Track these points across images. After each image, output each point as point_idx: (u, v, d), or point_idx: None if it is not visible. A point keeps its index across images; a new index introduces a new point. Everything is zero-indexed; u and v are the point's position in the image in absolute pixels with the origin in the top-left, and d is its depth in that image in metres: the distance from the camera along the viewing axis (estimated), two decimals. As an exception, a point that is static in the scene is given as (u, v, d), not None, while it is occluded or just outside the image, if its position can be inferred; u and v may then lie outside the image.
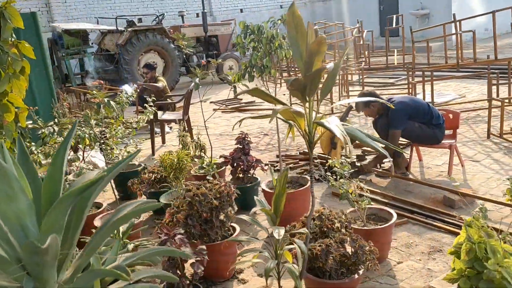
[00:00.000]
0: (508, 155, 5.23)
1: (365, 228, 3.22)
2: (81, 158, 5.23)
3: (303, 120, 2.22)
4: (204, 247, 2.71)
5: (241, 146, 4.35)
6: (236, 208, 3.48)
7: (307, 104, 2.23)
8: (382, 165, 5.22)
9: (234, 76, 3.95)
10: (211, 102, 10.56)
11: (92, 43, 12.18)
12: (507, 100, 6.53)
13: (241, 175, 4.42)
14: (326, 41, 2.02)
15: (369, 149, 5.79)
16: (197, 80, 4.33)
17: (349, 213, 3.44)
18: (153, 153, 6.66)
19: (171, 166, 3.84)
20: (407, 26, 9.30)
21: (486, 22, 11.27)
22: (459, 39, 6.99)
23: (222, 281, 3.23)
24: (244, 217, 2.64)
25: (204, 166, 4.65)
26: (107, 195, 5.19)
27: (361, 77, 9.96)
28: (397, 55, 9.23)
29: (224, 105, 9.99)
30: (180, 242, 2.65)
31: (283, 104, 2.26)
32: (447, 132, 5.04)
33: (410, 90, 7.76)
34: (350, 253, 2.54)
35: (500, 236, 2.44)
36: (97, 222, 3.49)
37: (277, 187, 2.49)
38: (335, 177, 4.74)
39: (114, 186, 4.73)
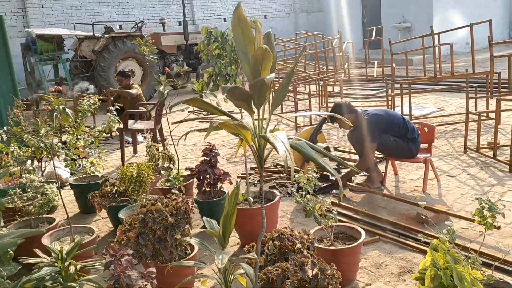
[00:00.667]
0: (485, 170, 5.12)
1: (332, 248, 3.04)
2: (37, 169, 4.98)
3: (249, 133, 2.04)
4: (153, 269, 2.49)
5: (207, 158, 4.15)
6: (192, 226, 3.25)
7: (255, 116, 2.05)
8: (354, 179, 5.07)
9: (198, 85, 3.76)
10: (189, 112, 10.34)
11: (68, 49, 11.90)
12: (484, 114, 6.45)
13: (208, 189, 4.21)
14: (271, 52, 1.84)
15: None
16: (161, 88, 4.12)
17: (316, 231, 3.26)
18: (122, 164, 6.40)
19: (131, 179, 3.62)
20: (388, 39, 9.24)
21: (466, 36, 11.31)
22: (437, 53, 6.91)
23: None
24: (192, 240, 2.41)
25: (171, 179, 4.43)
26: (68, 208, 4.93)
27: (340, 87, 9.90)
28: (377, 67, 9.15)
29: (202, 114, 9.79)
30: (127, 264, 2.43)
31: (228, 115, 2.07)
32: (422, 146, 4.91)
33: (389, 102, 7.67)
34: (310, 277, 2.35)
35: (469, 260, 2.28)
36: (45, 240, 3.24)
37: (226, 206, 2.29)
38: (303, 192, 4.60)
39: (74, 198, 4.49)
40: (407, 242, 3.61)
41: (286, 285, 2.21)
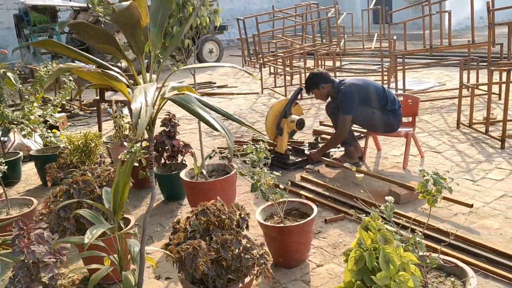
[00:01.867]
0: (475, 147, 4.76)
1: (277, 225, 2.77)
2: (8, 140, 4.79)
3: (123, 85, 1.75)
4: (66, 246, 2.26)
5: (166, 129, 3.89)
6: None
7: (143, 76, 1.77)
8: (332, 155, 4.77)
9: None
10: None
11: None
12: (482, 87, 6.04)
13: (168, 162, 3.97)
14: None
15: (324, 136, 5.33)
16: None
17: (267, 207, 3.00)
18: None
19: (77, 148, 3.39)
20: (385, 8, 8.75)
21: (481, 10, 10.70)
22: (431, 22, 6.46)
23: (111, 283, 2.79)
24: (81, 211, 2.12)
25: (132, 151, 4.18)
26: (31, 180, 4.75)
27: (340, 63, 9.48)
28: (376, 40, 8.71)
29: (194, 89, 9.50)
30: (37, 238, 2.20)
31: (100, 63, 1.77)
32: (405, 119, 4.58)
33: (385, 77, 7.27)
34: (233, 257, 2.09)
35: (409, 241, 1.99)
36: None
37: (117, 175, 2.03)
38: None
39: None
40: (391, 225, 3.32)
41: (200, 265, 1.95)
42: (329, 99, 4.49)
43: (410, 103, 4.54)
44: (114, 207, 1.97)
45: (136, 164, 4.04)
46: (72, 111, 7.71)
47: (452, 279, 2.12)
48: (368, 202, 3.56)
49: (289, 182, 3.64)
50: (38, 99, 4.20)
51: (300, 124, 4.51)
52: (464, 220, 3.30)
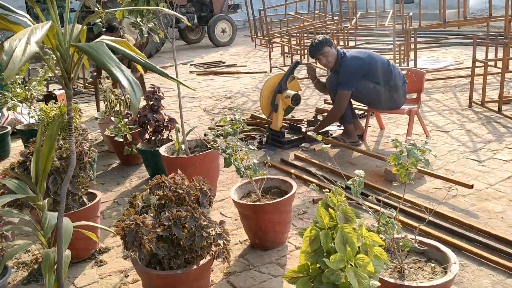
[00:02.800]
0: (486, 126, 4.43)
1: (251, 203, 2.56)
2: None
3: (20, 28, 1.51)
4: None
5: (150, 103, 3.69)
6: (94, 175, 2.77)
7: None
8: (332, 133, 4.51)
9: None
10: (191, 65, 9.86)
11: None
12: (492, 63, 5.64)
13: (152, 138, 3.78)
14: None
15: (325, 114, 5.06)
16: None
17: (245, 184, 2.79)
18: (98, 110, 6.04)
19: (52, 121, 3.22)
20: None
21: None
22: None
23: (76, 261, 2.64)
24: (7, 181, 1.92)
25: (119, 126, 4.01)
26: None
27: (354, 42, 9.11)
28: (391, 17, 8.29)
29: (202, 68, 9.29)
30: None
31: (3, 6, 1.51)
32: (410, 96, 4.28)
33: (403, 55, 6.90)
34: (185, 236, 1.89)
35: (378, 222, 1.75)
36: None
37: (37, 143, 1.81)
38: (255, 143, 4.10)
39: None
40: (365, 202, 3.06)
41: (145, 244, 1.76)
42: (330, 72, 4.21)
43: (415, 78, 4.23)
44: (37, 175, 1.78)
45: (121, 140, 3.88)
46: (75, 89, 7.60)
47: (433, 264, 1.88)
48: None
49: (268, 159, 3.41)
50: (23, 73, 4.05)
51: (296, 100, 4.26)
52: (463, 202, 3.02)
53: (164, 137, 3.82)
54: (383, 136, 4.44)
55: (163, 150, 3.39)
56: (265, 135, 4.54)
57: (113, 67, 1.27)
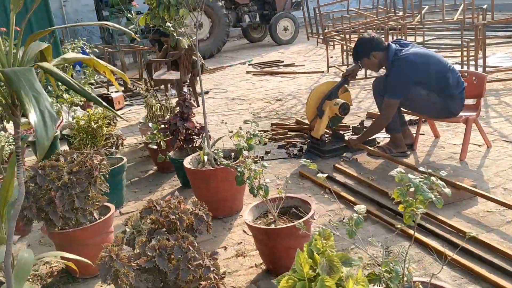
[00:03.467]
0: (562, 136, 3.86)
1: (263, 227, 2.35)
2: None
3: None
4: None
5: (180, 110, 3.59)
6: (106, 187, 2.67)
7: None
8: (379, 142, 4.16)
9: (141, 19, 3.13)
10: (249, 64, 9.75)
11: (143, 2, 11.86)
12: None
13: (184, 146, 3.68)
14: None
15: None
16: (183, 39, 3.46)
17: (262, 203, 2.58)
18: (149, 116, 6.10)
19: (81, 129, 3.22)
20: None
21: None
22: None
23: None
24: None
25: (154, 132, 3.96)
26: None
27: (422, 38, 8.49)
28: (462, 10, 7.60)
29: (259, 68, 9.14)
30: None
31: None
32: (468, 102, 3.82)
33: (464, 53, 6.28)
34: (171, 269, 1.73)
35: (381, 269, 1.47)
36: None
37: (8, 172, 1.70)
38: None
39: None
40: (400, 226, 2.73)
41: (121, 277, 1.63)
42: (379, 73, 3.87)
43: (475, 82, 3.76)
44: (2, 204, 1.69)
45: (155, 147, 3.82)
46: (134, 90, 7.76)
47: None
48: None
49: (288, 176, 3.16)
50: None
51: (344, 110, 3.97)
52: (519, 230, 2.60)
53: (197, 145, 3.71)
54: (437, 146, 4.01)
55: (187, 161, 3.27)
56: (306, 142, 4.29)
57: (26, 97, 1.12)
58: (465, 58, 6.08)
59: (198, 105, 6.50)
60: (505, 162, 3.49)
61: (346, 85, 4.16)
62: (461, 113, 3.70)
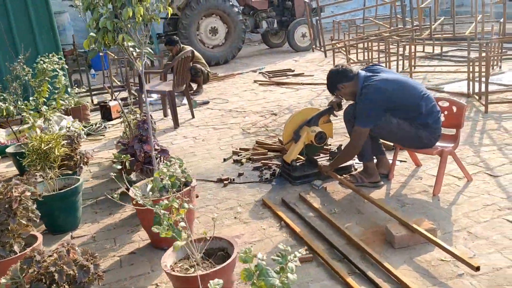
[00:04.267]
0: (553, 171, 3.55)
1: (175, 274, 2.22)
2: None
3: None
4: None
5: (139, 133, 3.51)
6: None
7: None
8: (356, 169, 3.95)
9: (85, 42, 3.00)
10: (260, 73, 9.61)
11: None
12: None
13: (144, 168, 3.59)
14: None
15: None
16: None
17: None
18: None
19: (33, 151, 3.18)
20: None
21: None
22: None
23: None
24: None
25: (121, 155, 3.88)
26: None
27: (440, 49, 8.12)
28: (478, 22, 7.19)
29: (268, 76, 8.99)
30: None
31: None
32: (447, 131, 3.57)
33: (471, 68, 5.93)
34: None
35: None
36: None
37: None
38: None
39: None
40: (342, 273, 2.55)
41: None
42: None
43: (455, 111, 3.51)
44: None
45: (119, 167, 3.74)
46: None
47: None
48: (353, 242, 2.80)
49: (239, 211, 3.01)
50: (44, 91, 4.13)
51: (320, 139, 3.81)
52: (469, 286, 2.37)
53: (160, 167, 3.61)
54: (415, 176, 3.77)
55: (135, 188, 3.17)
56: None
57: None
58: (472, 75, 5.74)
59: (193, 117, 6.43)
60: (480, 200, 3.23)
61: (330, 116, 3.99)
62: (438, 143, 3.46)
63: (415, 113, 3.33)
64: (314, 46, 7.96)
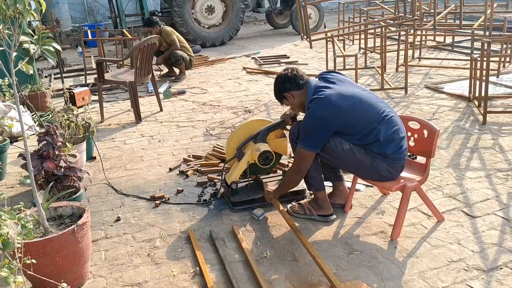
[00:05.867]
0: (546, 214, 2.87)
1: None
2: None
3: None
4: None
5: (39, 148, 2.94)
6: None
7: None
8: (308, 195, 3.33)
9: None
10: (252, 58, 8.92)
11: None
12: None
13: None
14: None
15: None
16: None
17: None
18: (102, 120, 5.52)
19: None
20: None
21: None
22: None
23: None
24: None
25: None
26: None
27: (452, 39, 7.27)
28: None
29: (259, 63, 8.30)
30: None
31: None
32: (419, 158, 2.91)
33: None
34: None
35: None
36: None
37: None
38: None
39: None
40: None
41: None
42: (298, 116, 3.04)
43: (426, 135, 2.84)
44: None
45: (28, 181, 3.21)
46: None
47: None
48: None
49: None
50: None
51: (265, 160, 3.21)
52: None
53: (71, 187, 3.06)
54: (377, 209, 3.13)
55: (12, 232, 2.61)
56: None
57: None
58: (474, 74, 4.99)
59: (161, 110, 5.85)
60: (445, 252, 2.59)
61: (284, 130, 3.36)
62: (403, 173, 2.81)
63: (370, 139, 2.68)
64: (302, 34, 7.21)
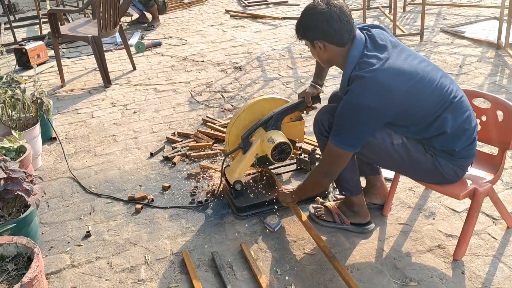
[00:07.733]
0: None
1: None
2: None
3: None
4: None
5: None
6: None
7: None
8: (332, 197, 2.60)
9: None
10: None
11: None
12: None
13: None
14: None
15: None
16: None
17: None
18: (63, 84, 4.59)
19: None
20: None
21: None
22: None
23: None
24: None
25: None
26: None
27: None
28: None
29: (244, 4, 7.26)
30: None
31: None
32: (486, 150, 2.18)
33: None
34: None
35: None
36: None
37: None
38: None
39: None
40: None
41: None
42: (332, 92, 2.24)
43: (500, 119, 2.09)
44: None
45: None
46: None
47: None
48: None
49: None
50: None
51: (280, 154, 2.41)
52: None
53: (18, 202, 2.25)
54: (425, 209, 2.44)
55: None
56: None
57: None
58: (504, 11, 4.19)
59: (134, 68, 4.93)
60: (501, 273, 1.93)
61: (302, 112, 2.56)
62: (468, 172, 2.09)
63: (432, 133, 1.92)
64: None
